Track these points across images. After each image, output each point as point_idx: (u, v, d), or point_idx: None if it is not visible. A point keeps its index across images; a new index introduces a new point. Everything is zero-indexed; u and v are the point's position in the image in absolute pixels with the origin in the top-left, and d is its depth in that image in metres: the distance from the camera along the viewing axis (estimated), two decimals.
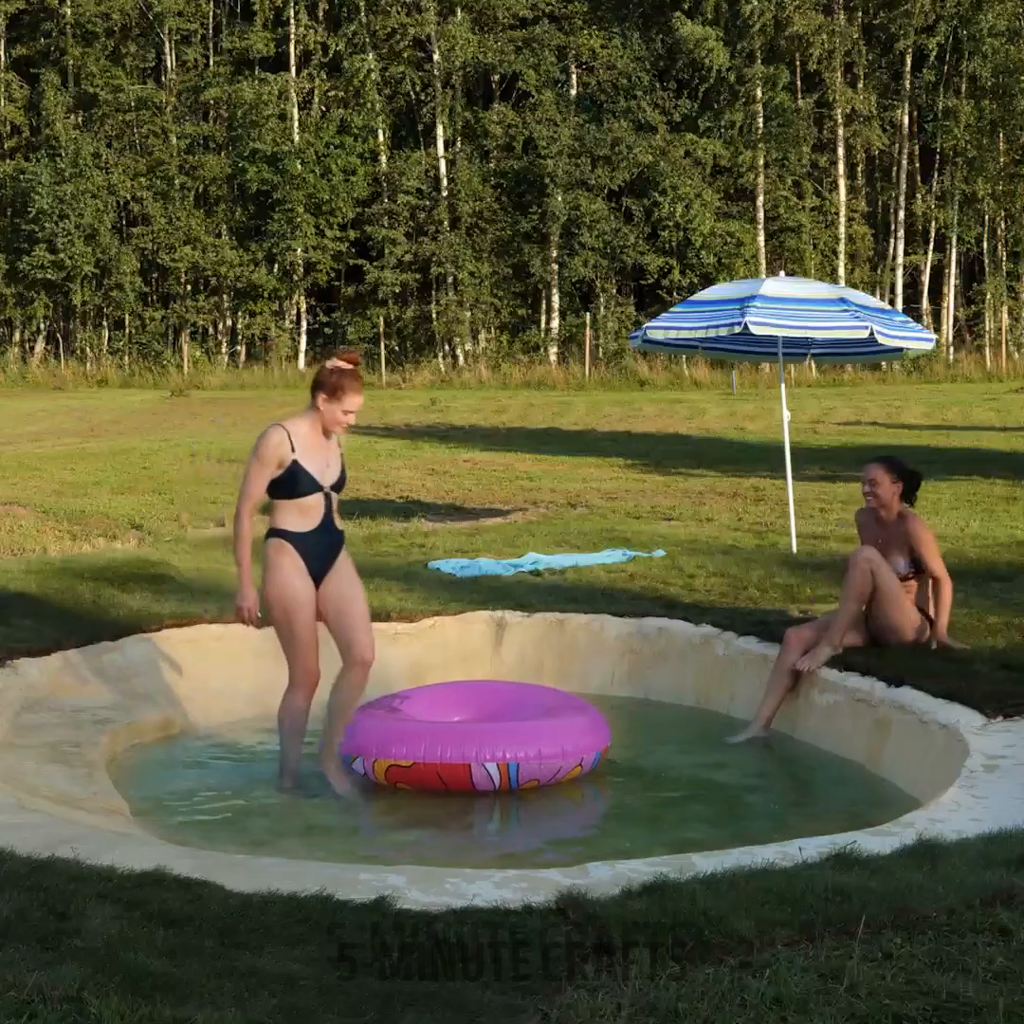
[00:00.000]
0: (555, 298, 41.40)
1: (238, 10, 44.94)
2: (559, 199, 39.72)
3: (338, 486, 5.98)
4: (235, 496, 6.11)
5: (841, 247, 40.80)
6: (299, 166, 40.17)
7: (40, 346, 43.13)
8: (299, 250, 41.09)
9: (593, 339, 39.13)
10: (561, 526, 12.00)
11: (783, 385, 11.12)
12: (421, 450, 20.02)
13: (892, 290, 41.06)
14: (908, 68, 41.18)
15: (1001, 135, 40.32)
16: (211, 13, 43.87)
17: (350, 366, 5.85)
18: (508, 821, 6.20)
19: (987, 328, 41.06)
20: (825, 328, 9.99)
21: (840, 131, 40.69)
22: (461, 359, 40.70)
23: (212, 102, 42.21)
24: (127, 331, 43.12)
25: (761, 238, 40.60)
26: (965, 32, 40.01)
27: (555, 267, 40.79)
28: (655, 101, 40.64)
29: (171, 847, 5.01)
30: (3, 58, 44.15)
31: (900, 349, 10.61)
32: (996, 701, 6.29)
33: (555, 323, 41.38)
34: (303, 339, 42.35)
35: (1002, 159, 40.37)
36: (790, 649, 7.14)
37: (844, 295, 10.32)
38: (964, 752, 5.86)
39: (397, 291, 40.86)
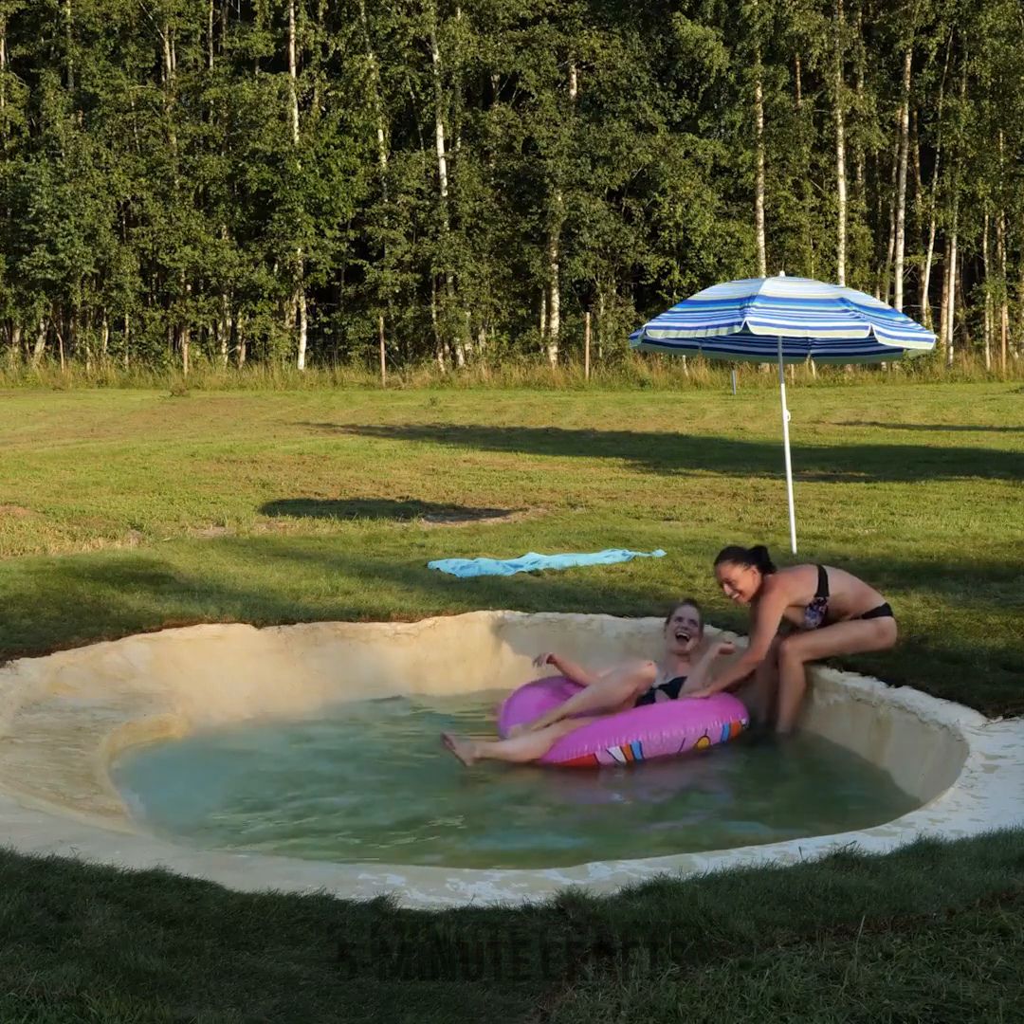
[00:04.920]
0: (555, 298, 41.41)
1: (238, 10, 44.97)
2: (559, 199, 39.73)
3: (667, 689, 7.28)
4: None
5: (841, 247, 40.81)
6: (299, 166, 40.18)
7: (40, 346, 43.15)
8: (299, 250, 41.10)
9: (593, 339, 39.14)
10: (561, 526, 12.00)
11: (783, 385, 11.13)
12: (421, 450, 20.02)
13: (892, 290, 41.07)
14: (908, 68, 41.17)
15: (1001, 135, 40.31)
16: (211, 13, 43.88)
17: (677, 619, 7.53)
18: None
19: (987, 328, 41.06)
20: (825, 328, 9.97)
21: (840, 131, 40.68)
22: (461, 359, 40.70)
23: (212, 102, 42.22)
24: (127, 331, 43.13)
25: (761, 238, 40.61)
26: (965, 32, 40.02)
27: (555, 267, 40.81)
28: (655, 101, 40.64)
29: (171, 847, 5.01)
30: (3, 58, 44.15)
31: (900, 349, 10.61)
32: (996, 701, 6.29)
33: (555, 323, 41.39)
34: (303, 339, 42.35)
35: (1002, 159, 40.37)
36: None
37: (844, 295, 10.31)
38: (964, 752, 5.86)
39: (397, 291, 40.87)
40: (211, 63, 43.56)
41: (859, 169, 42.44)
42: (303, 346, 42.22)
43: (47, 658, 7.31)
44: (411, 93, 41.76)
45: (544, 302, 41.81)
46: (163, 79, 43.54)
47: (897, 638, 7.23)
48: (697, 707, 6.90)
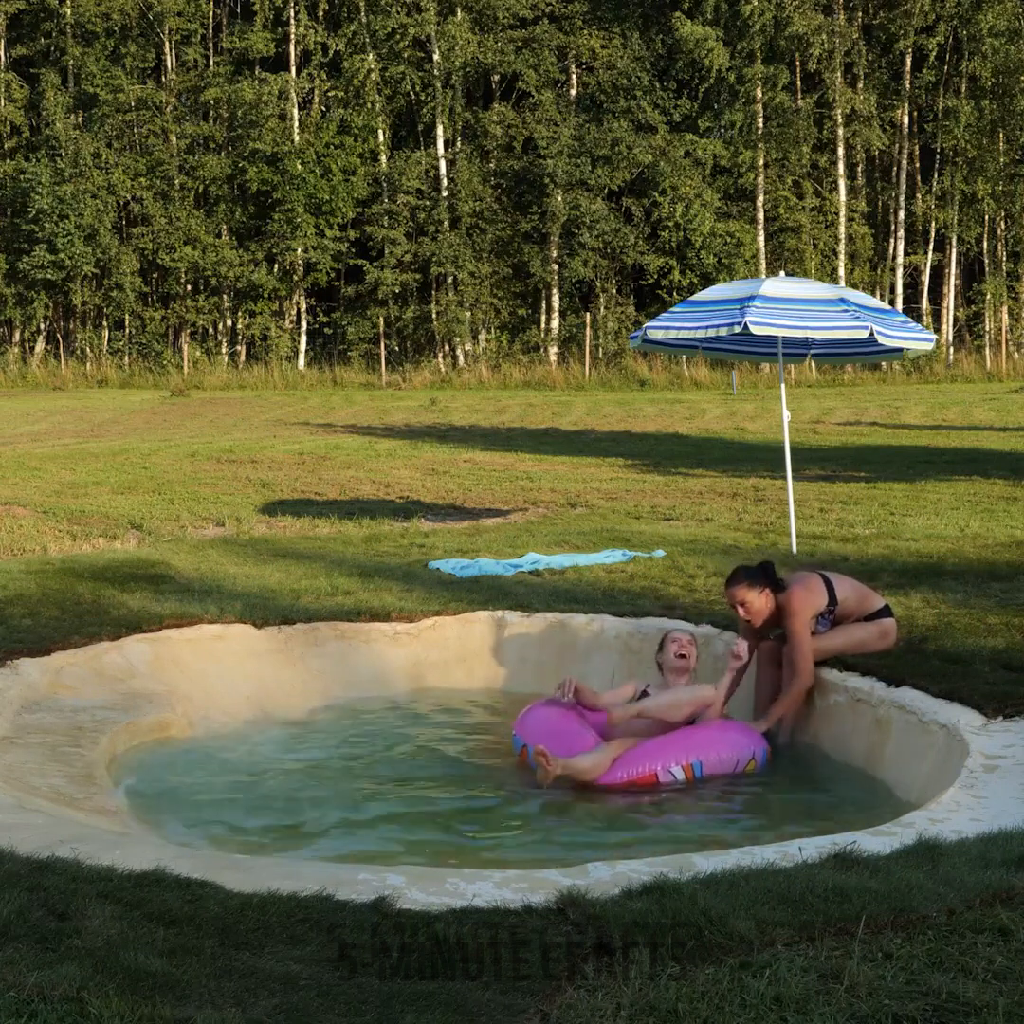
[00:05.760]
0: (555, 298, 41.41)
1: (238, 10, 44.96)
2: (559, 199, 39.73)
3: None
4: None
5: (841, 247, 40.81)
6: (299, 166, 40.18)
7: (40, 346, 43.14)
8: (299, 250, 41.10)
9: (593, 339, 39.13)
10: (561, 526, 12.00)
11: (783, 385, 11.13)
12: (421, 450, 20.02)
13: (892, 290, 41.07)
14: (908, 68, 41.17)
15: (1001, 135, 40.32)
16: (211, 13, 43.88)
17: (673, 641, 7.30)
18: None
19: (987, 328, 41.07)
20: (825, 328, 9.97)
21: (840, 131, 40.68)
22: (461, 359, 40.70)
23: (212, 102, 42.22)
24: (127, 331, 43.13)
25: (761, 238, 40.61)
26: (965, 32, 40.02)
27: (555, 267, 40.81)
28: (655, 101, 40.64)
29: (171, 847, 5.01)
30: (3, 58, 44.14)
31: (900, 349, 10.61)
32: (996, 701, 6.29)
33: (555, 323, 41.40)
34: (303, 339, 42.35)
35: (1002, 159, 40.37)
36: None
37: (844, 295, 10.30)
38: (964, 752, 5.86)
39: (397, 291, 40.87)
40: (211, 63, 43.55)
41: (859, 169, 42.44)
42: (303, 346, 42.22)
43: (47, 658, 7.31)
44: (411, 93, 41.76)
45: (544, 302, 41.81)
46: (163, 79, 43.54)
47: (897, 638, 7.23)
48: (748, 729, 6.87)
